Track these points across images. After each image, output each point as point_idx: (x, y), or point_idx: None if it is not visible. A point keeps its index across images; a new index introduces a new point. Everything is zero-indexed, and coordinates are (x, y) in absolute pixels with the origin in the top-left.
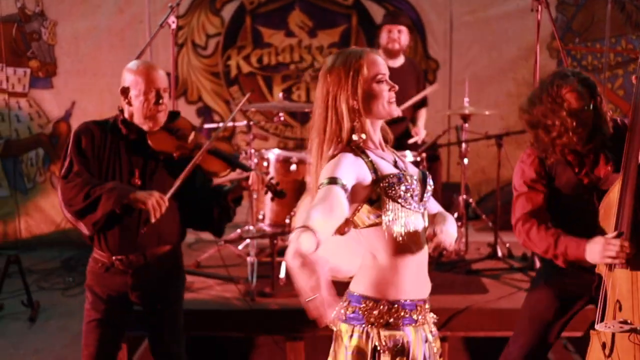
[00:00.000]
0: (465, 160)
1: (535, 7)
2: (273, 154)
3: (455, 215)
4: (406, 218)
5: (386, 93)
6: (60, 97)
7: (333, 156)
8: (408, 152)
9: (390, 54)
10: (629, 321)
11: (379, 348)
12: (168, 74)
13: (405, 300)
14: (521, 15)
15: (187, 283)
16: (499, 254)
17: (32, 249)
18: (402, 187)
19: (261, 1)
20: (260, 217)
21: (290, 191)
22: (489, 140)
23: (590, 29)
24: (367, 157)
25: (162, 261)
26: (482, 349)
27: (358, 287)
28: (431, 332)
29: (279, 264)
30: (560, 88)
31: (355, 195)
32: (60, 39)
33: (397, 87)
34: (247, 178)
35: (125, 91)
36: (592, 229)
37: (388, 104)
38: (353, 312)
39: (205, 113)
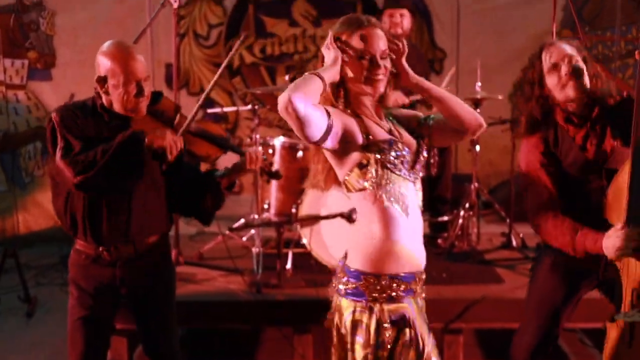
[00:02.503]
0: (477, 148)
1: None
2: (279, 141)
3: (467, 205)
4: (395, 184)
5: (366, 71)
6: (59, 89)
7: None
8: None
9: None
10: None
11: (383, 323)
12: (171, 66)
13: (405, 274)
14: (529, 3)
15: (189, 275)
16: (514, 243)
17: (30, 245)
18: (393, 153)
19: None
20: (266, 206)
21: (296, 179)
22: (496, 129)
23: (600, 17)
24: (361, 119)
25: (151, 251)
26: (498, 341)
27: (356, 263)
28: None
29: (285, 254)
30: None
31: (347, 155)
32: (59, 29)
33: (382, 67)
34: (240, 166)
35: (101, 80)
36: (601, 209)
37: (367, 82)
38: (354, 288)
39: (208, 105)
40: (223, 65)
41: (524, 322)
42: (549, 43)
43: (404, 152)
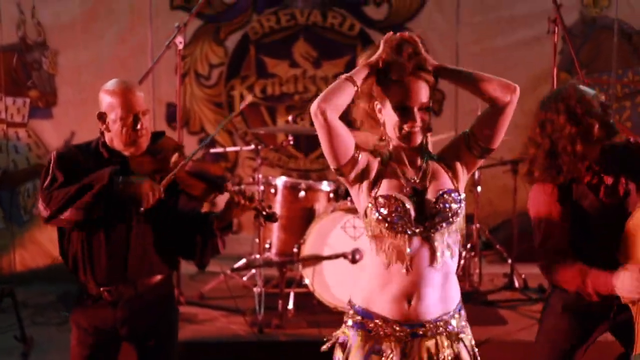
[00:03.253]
0: (479, 188)
1: (552, 29)
2: (280, 181)
3: (469, 245)
4: (390, 239)
5: (398, 121)
6: (60, 127)
7: None
8: None
9: None
10: None
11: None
12: (172, 105)
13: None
14: (528, 45)
15: (190, 315)
16: (516, 284)
17: (27, 283)
18: (385, 210)
19: (266, 31)
20: (267, 246)
21: (298, 219)
22: (497, 169)
23: (597, 61)
24: (384, 168)
25: (153, 292)
26: None
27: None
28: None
29: (287, 294)
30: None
31: (358, 198)
32: (62, 68)
33: (416, 122)
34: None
35: (102, 116)
36: (612, 251)
37: (399, 132)
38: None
39: (209, 144)
40: (232, 115)
41: None
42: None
43: (407, 208)
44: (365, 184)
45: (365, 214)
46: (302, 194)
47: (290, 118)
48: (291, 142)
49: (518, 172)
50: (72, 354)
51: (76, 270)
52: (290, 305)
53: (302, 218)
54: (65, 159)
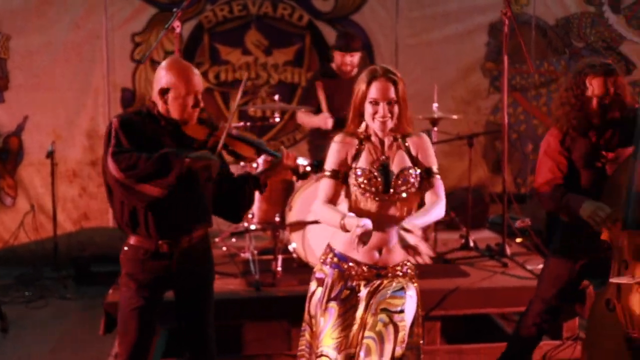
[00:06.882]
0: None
1: (503, 20)
2: (261, 158)
3: None
4: (364, 203)
5: (372, 112)
6: (12, 111)
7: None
8: None
9: (344, 74)
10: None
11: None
12: (127, 90)
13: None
14: (460, 39)
15: None
16: (471, 244)
17: None
18: (361, 179)
19: (219, 20)
20: (250, 216)
21: (279, 191)
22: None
23: (519, 52)
24: (362, 145)
25: (201, 243)
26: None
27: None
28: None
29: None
30: (586, 75)
31: (346, 168)
32: (13, 52)
33: (383, 114)
34: (279, 161)
35: (163, 91)
36: (598, 195)
37: (373, 121)
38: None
39: None
40: (238, 98)
41: (538, 293)
42: (594, 73)
43: (376, 176)
44: (349, 160)
45: (346, 181)
46: None
47: (276, 97)
48: (277, 120)
49: (473, 145)
50: (125, 304)
51: (134, 226)
52: (279, 268)
53: (282, 190)
54: (128, 124)
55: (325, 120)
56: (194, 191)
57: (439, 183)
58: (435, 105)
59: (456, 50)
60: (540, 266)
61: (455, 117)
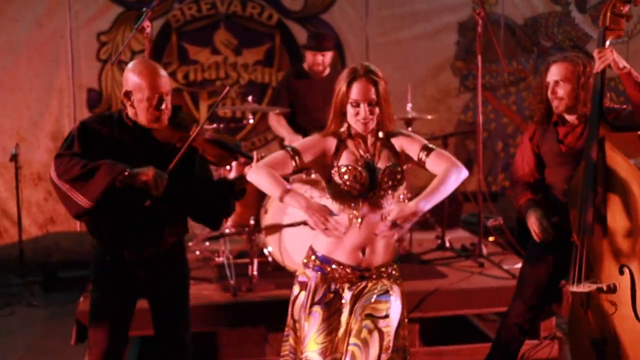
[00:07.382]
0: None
1: (476, 19)
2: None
3: None
4: (348, 201)
5: (353, 113)
6: None
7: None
8: None
9: (316, 74)
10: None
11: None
12: (93, 90)
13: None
14: (429, 37)
15: None
16: (447, 244)
17: None
18: (346, 177)
19: (187, 19)
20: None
21: (252, 193)
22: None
23: (488, 51)
24: (344, 144)
25: (173, 249)
26: (451, 327)
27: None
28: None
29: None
30: (549, 65)
31: (323, 170)
32: None
33: (364, 115)
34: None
35: (128, 94)
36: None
37: (356, 122)
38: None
39: None
40: (217, 102)
41: (517, 293)
42: (554, 61)
43: (361, 172)
44: (328, 158)
45: (330, 180)
46: None
47: (250, 99)
48: (251, 122)
49: (448, 145)
50: (92, 313)
51: (99, 233)
52: (255, 272)
53: (256, 192)
54: (87, 130)
55: (291, 140)
56: (143, 207)
57: (442, 153)
58: (409, 105)
59: (426, 49)
60: (517, 266)
61: (430, 117)
